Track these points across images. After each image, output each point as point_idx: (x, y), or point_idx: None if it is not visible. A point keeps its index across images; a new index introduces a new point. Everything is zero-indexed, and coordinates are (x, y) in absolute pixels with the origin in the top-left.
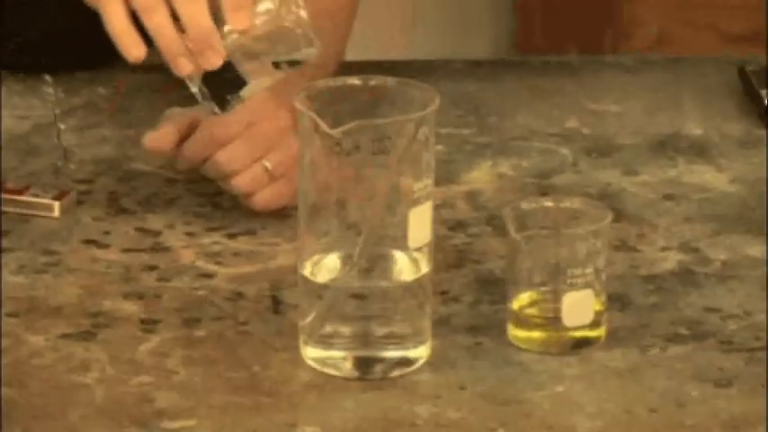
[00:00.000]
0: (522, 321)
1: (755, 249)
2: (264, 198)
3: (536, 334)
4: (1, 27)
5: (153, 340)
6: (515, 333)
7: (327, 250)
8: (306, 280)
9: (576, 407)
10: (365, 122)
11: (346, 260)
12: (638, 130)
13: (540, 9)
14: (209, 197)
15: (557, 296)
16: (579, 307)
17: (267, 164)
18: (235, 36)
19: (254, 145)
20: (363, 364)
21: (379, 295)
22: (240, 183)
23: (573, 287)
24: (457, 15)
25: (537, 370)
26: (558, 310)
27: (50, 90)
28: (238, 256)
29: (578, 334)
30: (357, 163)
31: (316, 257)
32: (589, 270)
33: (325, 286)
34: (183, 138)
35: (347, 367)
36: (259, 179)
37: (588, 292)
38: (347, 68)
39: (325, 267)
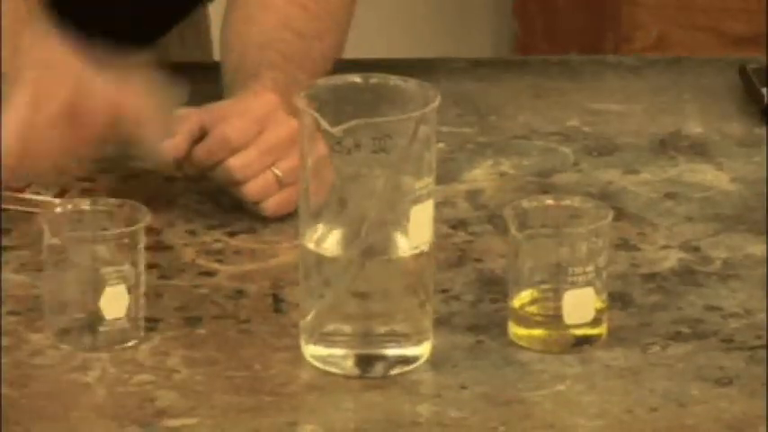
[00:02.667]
0: (523, 319)
1: (756, 248)
2: (274, 205)
3: (537, 332)
4: None
5: (154, 339)
6: (516, 331)
7: (330, 233)
8: (308, 252)
9: (577, 406)
10: (366, 121)
11: (349, 242)
12: (639, 130)
13: (540, 13)
14: (209, 195)
15: (558, 294)
16: (580, 305)
17: (278, 171)
18: None
19: (266, 152)
20: (364, 362)
21: (380, 293)
22: (251, 190)
23: (574, 285)
24: (456, 20)
25: (538, 369)
26: (558, 309)
27: None
28: (239, 254)
29: (579, 332)
30: (358, 161)
31: (317, 239)
32: (590, 268)
33: (328, 260)
34: (195, 141)
35: (348, 365)
36: (270, 186)
37: (589, 290)
38: (348, 67)
39: (328, 248)
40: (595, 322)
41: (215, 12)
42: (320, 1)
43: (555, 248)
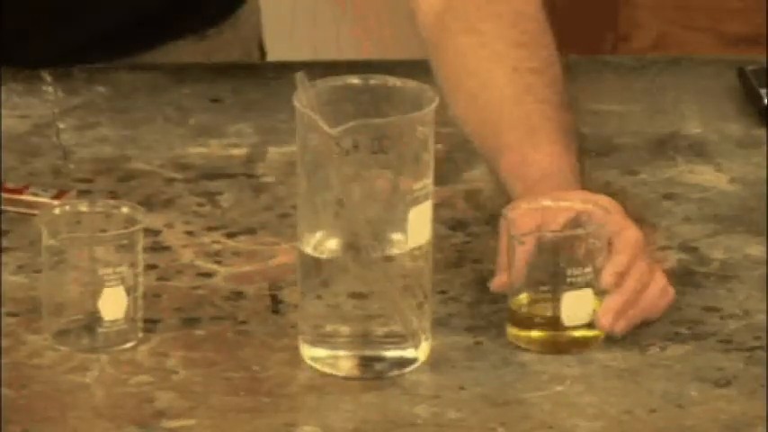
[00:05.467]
0: (521, 321)
1: (755, 249)
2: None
3: (535, 334)
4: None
5: (152, 340)
6: (514, 333)
7: (328, 234)
8: (307, 253)
9: (576, 407)
10: (364, 122)
11: (348, 243)
12: (638, 130)
13: None
14: (208, 196)
15: (556, 296)
16: (578, 306)
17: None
18: None
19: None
20: (363, 364)
21: (378, 294)
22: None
23: (572, 287)
24: None
25: (537, 370)
26: (557, 310)
27: (50, 89)
28: (238, 255)
29: (577, 334)
30: (356, 162)
31: (316, 240)
32: (588, 269)
33: (326, 261)
34: None
35: (347, 366)
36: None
37: (587, 292)
38: (347, 68)
39: (327, 249)
40: (593, 324)
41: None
42: (528, 29)
43: (553, 250)
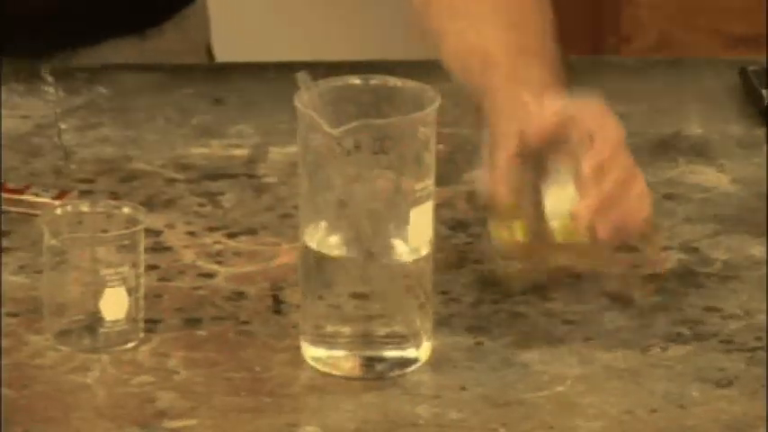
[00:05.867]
0: (504, 213)
1: (756, 249)
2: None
3: (518, 224)
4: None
5: (154, 340)
6: (497, 229)
7: (329, 235)
8: (308, 253)
9: (577, 407)
10: (366, 122)
11: (349, 243)
12: (640, 131)
13: None
14: (209, 197)
15: (538, 189)
16: (561, 200)
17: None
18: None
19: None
20: (364, 364)
21: (380, 295)
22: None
23: (556, 182)
24: None
25: (538, 371)
26: (539, 203)
27: (51, 90)
28: (239, 255)
29: (560, 228)
30: (358, 163)
31: (317, 240)
32: (572, 165)
33: (327, 261)
34: None
35: (348, 367)
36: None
37: (570, 186)
38: (348, 68)
39: (329, 248)
40: (575, 217)
41: None
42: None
43: (538, 148)
